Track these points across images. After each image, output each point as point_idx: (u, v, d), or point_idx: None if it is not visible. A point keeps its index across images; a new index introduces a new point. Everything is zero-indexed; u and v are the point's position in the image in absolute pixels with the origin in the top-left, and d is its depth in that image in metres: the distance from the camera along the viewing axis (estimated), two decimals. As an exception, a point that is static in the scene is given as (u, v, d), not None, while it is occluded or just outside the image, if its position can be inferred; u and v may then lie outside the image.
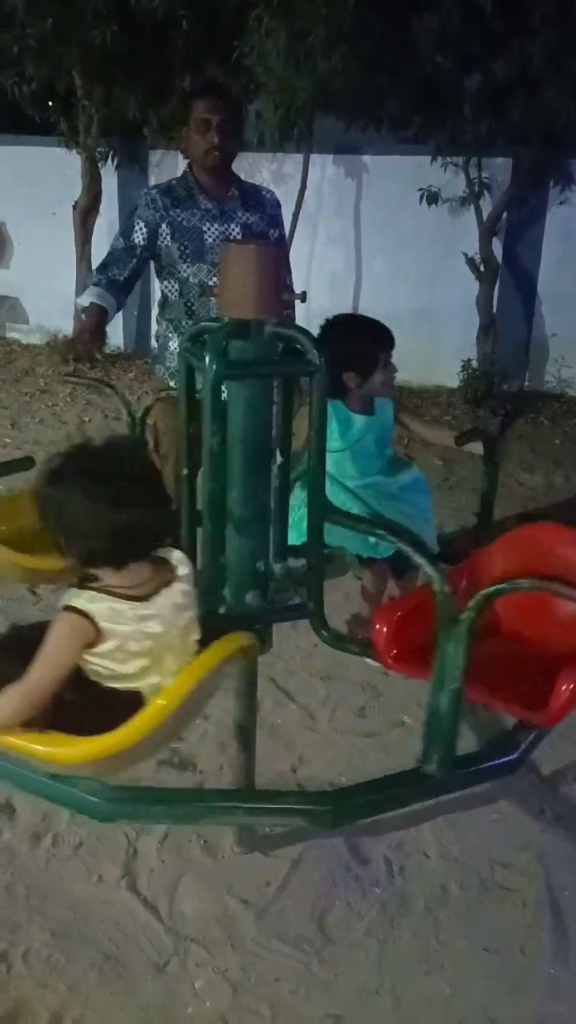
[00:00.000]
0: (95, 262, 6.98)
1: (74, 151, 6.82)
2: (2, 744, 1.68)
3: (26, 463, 2.59)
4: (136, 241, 3.06)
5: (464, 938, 2.04)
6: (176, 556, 1.74)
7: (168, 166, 7.02)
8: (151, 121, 6.57)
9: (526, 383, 6.72)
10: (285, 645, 2.99)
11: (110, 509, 1.57)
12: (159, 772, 2.49)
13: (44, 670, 1.63)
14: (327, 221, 6.80)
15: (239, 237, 3.05)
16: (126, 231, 3.09)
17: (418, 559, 1.82)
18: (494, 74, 5.46)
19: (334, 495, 2.68)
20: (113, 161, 7.03)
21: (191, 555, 2.24)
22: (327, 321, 2.77)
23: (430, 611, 1.78)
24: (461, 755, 1.87)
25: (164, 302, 3.18)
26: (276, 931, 2.03)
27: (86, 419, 5.83)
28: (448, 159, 6.10)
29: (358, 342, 2.67)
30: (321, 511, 2.03)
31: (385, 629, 1.97)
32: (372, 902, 2.12)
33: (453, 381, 6.46)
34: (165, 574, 1.71)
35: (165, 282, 3.13)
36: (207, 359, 1.76)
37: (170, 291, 3.12)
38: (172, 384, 3.06)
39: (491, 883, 2.19)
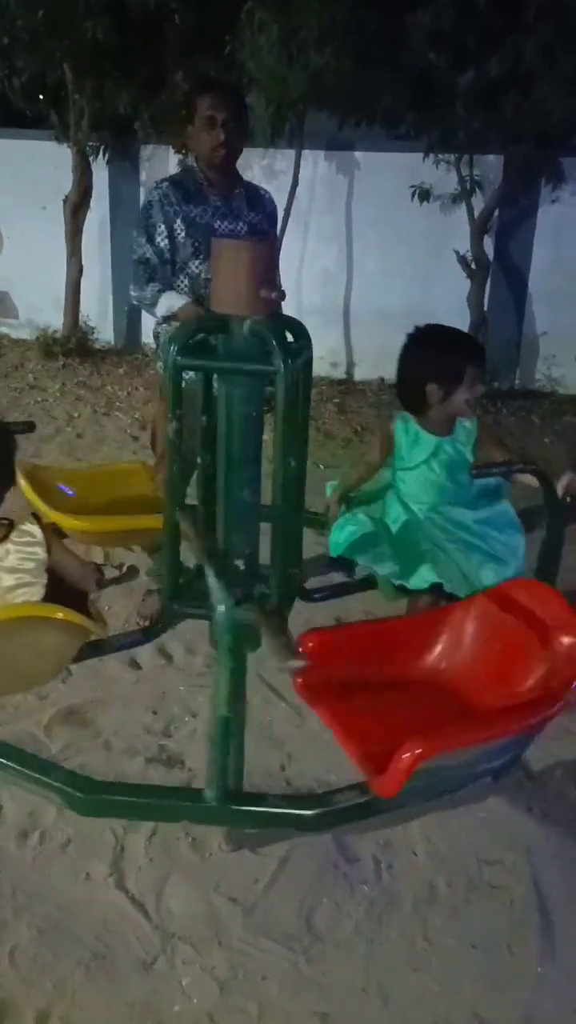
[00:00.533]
0: (86, 257, 7.00)
1: (65, 145, 6.79)
2: None
3: (27, 426, 2.71)
4: (161, 245, 3.04)
5: (452, 936, 2.04)
6: (26, 527, 2.01)
7: (159, 161, 7.00)
8: (142, 116, 6.54)
9: (517, 381, 6.73)
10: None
11: None
12: (148, 769, 2.49)
13: None
14: (319, 218, 6.79)
15: (246, 235, 3.05)
16: (150, 236, 3.05)
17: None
18: (487, 71, 5.46)
19: (395, 513, 2.62)
20: (104, 155, 6.99)
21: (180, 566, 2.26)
22: (416, 329, 2.65)
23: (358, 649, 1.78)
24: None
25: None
26: (264, 929, 2.03)
27: (75, 414, 5.81)
28: (440, 156, 6.09)
29: (446, 353, 2.55)
30: (295, 515, 2.03)
31: (305, 654, 1.93)
32: (360, 900, 2.12)
33: (444, 379, 6.47)
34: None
35: (175, 278, 3.10)
36: (170, 349, 1.76)
37: (178, 286, 3.09)
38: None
39: (479, 881, 2.19)
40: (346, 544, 2.48)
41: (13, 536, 1.99)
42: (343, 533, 2.49)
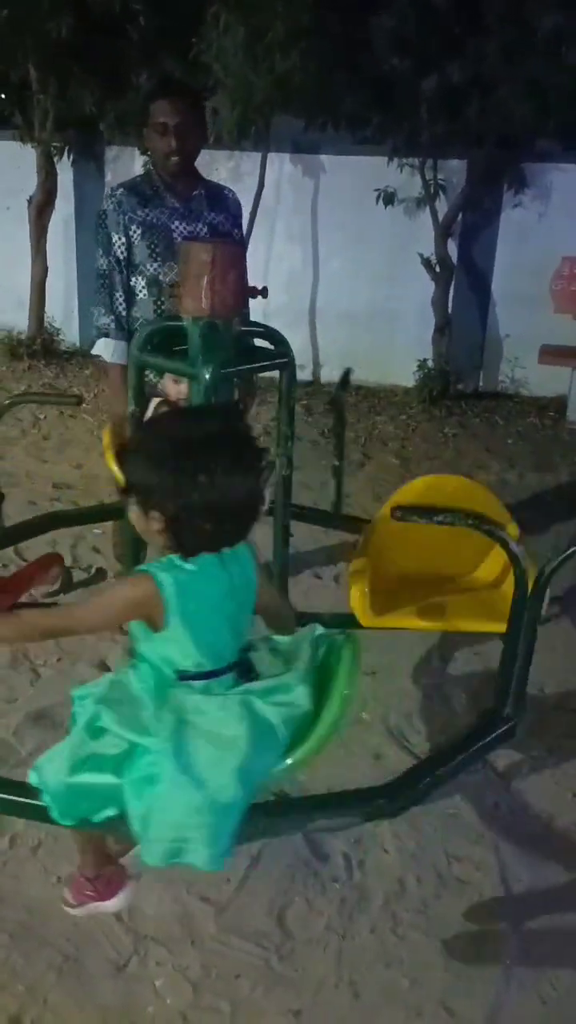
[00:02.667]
0: (50, 258, 6.95)
1: (29, 145, 6.73)
2: None
3: (75, 400, 2.83)
4: (119, 255, 3.05)
5: (421, 931, 2.07)
6: None
7: (125, 161, 6.97)
8: (107, 116, 6.50)
9: (480, 383, 6.81)
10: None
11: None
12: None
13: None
14: (285, 219, 6.81)
15: (207, 236, 3.05)
16: (106, 247, 3.07)
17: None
18: (450, 75, 5.51)
19: None
20: (69, 156, 6.95)
21: (140, 554, 2.26)
22: None
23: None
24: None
25: (130, 301, 3.14)
26: (236, 928, 2.04)
27: (41, 416, 5.77)
28: (404, 160, 6.15)
29: None
30: (287, 510, 2.06)
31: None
32: (331, 898, 2.14)
33: (409, 381, 6.52)
34: None
35: (132, 279, 3.11)
36: (200, 363, 1.77)
37: (138, 289, 3.10)
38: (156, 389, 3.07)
39: (448, 876, 2.23)
40: None
41: None
42: None
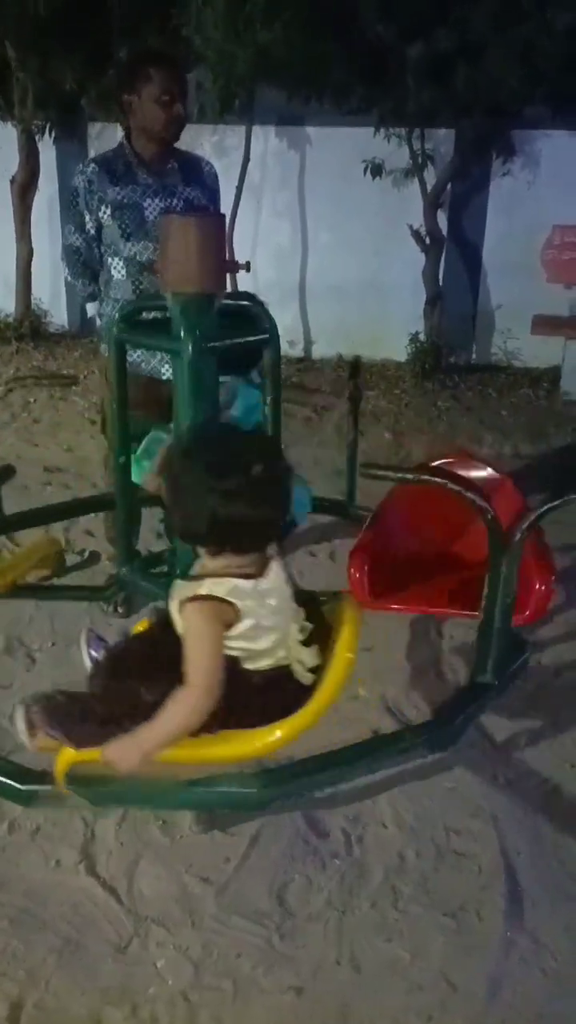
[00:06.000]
0: (35, 238, 6.87)
1: (10, 124, 6.64)
2: (193, 757, 1.72)
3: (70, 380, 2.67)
4: (91, 231, 3.01)
5: (422, 905, 2.07)
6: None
7: (108, 139, 6.87)
8: (89, 93, 6.41)
9: (473, 356, 6.77)
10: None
11: (218, 500, 1.60)
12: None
13: (206, 663, 1.63)
14: (271, 194, 6.74)
15: (182, 212, 2.99)
16: (79, 224, 3.02)
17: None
18: (437, 42, 5.43)
19: None
20: (51, 134, 6.86)
21: (131, 536, 2.24)
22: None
23: (388, 548, 1.87)
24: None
25: (108, 280, 3.09)
26: (236, 907, 2.04)
27: (31, 400, 5.73)
28: (392, 130, 6.07)
29: None
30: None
31: (358, 574, 2.08)
32: (331, 874, 2.14)
33: (401, 355, 6.48)
34: (263, 553, 1.73)
35: (109, 260, 3.06)
36: (182, 338, 1.74)
37: (115, 269, 3.05)
38: (141, 368, 3.02)
39: (447, 850, 2.22)
40: None
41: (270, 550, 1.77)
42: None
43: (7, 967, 1.88)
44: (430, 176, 6.21)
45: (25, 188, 6.72)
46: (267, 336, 1.83)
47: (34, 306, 6.99)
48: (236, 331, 1.94)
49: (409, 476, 1.90)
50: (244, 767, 1.98)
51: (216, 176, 3.18)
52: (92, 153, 6.99)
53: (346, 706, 2.74)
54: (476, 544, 2.44)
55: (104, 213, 2.97)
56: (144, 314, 2.24)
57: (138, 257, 2.97)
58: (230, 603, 1.64)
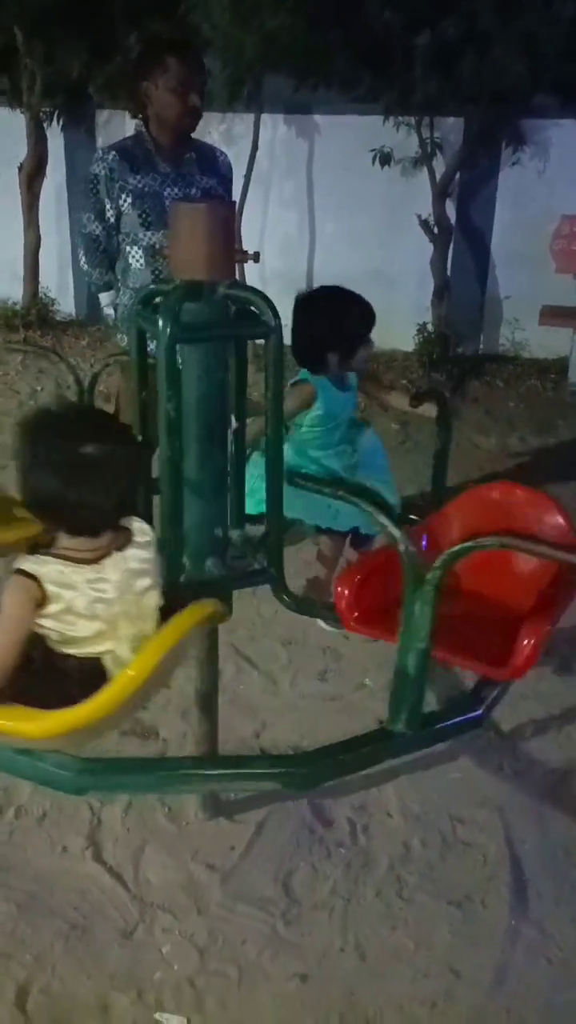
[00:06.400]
0: (43, 226, 6.86)
1: (18, 111, 6.62)
2: None
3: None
4: (111, 220, 3.00)
5: (427, 893, 2.07)
6: (137, 525, 1.73)
7: (116, 126, 6.85)
8: (96, 80, 6.38)
9: (480, 346, 6.74)
10: (246, 612, 2.99)
11: (67, 479, 1.56)
12: (120, 743, 2.48)
13: (1, 637, 1.61)
14: (279, 183, 6.70)
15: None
16: (98, 212, 3.01)
17: (382, 520, 1.82)
18: (444, 31, 5.39)
19: (302, 466, 2.64)
20: (58, 122, 6.83)
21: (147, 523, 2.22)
22: (307, 295, 2.74)
23: (391, 573, 1.77)
24: (427, 713, 1.87)
25: (126, 269, 3.08)
26: (241, 894, 2.05)
27: (38, 388, 5.72)
28: (400, 119, 6.03)
29: (345, 321, 2.62)
30: (280, 476, 2.00)
31: (347, 592, 1.97)
32: (336, 862, 2.15)
33: (408, 344, 6.45)
34: (121, 540, 1.68)
35: (127, 248, 3.04)
36: (160, 322, 1.72)
37: (133, 258, 3.04)
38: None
39: (452, 839, 2.23)
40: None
41: (137, 537, 1.73)
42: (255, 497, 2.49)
43: (15, 951, 1.89)
44: (438, 165, 6.17)
45: (33, 175, 6.70)
46: (267, 328, 1.80)
47: (41, 294, 6.98)
48: (236, 321, 1.92)
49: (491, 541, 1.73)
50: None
51: (230, 167, 3.18)
52: (100, 141, 6.98)
53: (353, 695, 2.75)
54: (510, 588, 2.15)
55: (124, 201, 2.96)
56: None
57: (157, 246, 2.96)
58: (38, 582, 1.59)
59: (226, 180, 3.14)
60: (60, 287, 7.19)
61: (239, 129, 6.38)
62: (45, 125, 6.68)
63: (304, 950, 1.93)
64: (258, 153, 6.18)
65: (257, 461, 2.30)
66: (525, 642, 1.78)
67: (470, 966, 1.90)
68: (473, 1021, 1.80)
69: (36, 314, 6.85)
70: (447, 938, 1.97)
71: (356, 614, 1.99)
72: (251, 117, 6.13)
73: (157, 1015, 1.78)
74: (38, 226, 6.82)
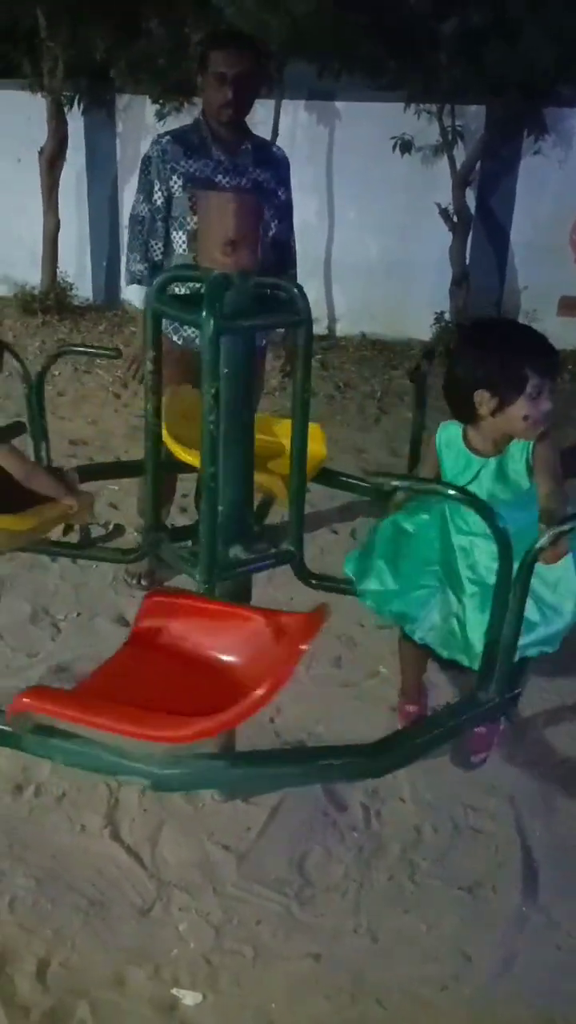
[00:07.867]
0: (62, 210, 6.87)
1: (39, 94, 6.63)
2: None
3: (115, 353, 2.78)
4: (158, 202, 3.01)
5: (438, 878, 2.11)
6: None
7: (136, 110, 6.85)
8: (118, 63, 6.38)
9: (498, 336, 6.73)
10: (261, 599, 3.01)
11: None
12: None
13: None
14: (299, 169, 6.61)
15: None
16: (147, 193, 3.02)
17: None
18: (470, 19, 5.36)
19: (429, 536, 2.14)
20: (79, 105, 6.84)
21: (159, 506, 2.25)
22: (473, 322, 2.31)
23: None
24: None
25: (171, 255, 3.08)
26: (256, 875, 2.09)
27: (56, 372, 5.75)
28: (422, 106, 6.01)
29: (504, 353, 1.95)
30: (304, 472, 2.03)
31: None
32: (349, 846, 2.18)
33: (425, 334, 6.46)
34: None
35: (174, 234, 3.05)
36: (204, 314, 1.73)
37: (178, 244, 3.04)
38: (175, 339, 3.05)
39: (464, 826, 2.26)
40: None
41: None
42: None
43: (35, 925, 1.93)
44: (459, 154, 6.15)
45: (53, 159, 6.72)
46: (299, 319, 1.83)
47: (60, 278, 7.00)
48: (269, 312, 1.94)
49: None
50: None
51: (287, 162, 3.17)
52: (120, 125, 6.99)
53: (367, 683, 2.78)
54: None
55: (176, 184, 2.98)
56: (183, 288, 2.24)
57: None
58: None
59: (281, 176, 3.12)
60: (78, 272, 7.21)
61: (260, 115, 6.35)
62: (66, 109, 6.68)
63: (317, 931, 1.97)
64: (278, 139, 6.16)
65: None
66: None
67: (479, 950, 1.94)
68: (481, 1004, 1.84)
69: (54, 298, 6.88)
70: (457, 922, 2.00)
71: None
72: (271, 103, 6.12)
73: (174, 990, 1.82)
74: (57, 210, 6.84)
